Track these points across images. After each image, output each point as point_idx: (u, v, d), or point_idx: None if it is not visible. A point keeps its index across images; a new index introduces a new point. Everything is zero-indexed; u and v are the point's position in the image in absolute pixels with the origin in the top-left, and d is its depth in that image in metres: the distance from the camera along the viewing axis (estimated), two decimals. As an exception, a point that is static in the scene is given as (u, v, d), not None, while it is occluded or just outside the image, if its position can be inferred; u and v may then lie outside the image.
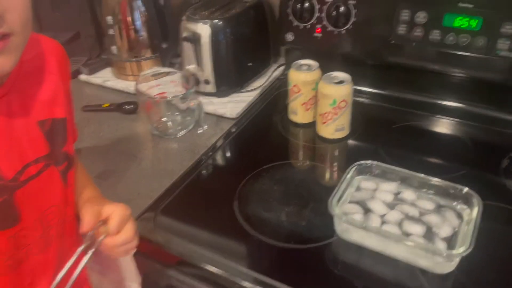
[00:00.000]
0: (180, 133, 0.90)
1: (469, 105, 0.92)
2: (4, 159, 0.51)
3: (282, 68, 1.10)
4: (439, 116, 0.92)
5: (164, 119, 0.92)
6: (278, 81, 1.08)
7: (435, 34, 0.86)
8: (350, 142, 0.87)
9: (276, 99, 1.03)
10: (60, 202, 0.59)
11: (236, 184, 0.76)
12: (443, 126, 0.90)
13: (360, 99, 0.97)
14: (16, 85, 0.54)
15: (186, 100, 0.87)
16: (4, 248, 0.54)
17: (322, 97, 0.84)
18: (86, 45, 1.18)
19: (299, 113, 0.91)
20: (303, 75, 0.87)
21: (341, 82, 0.83)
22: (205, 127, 0.90)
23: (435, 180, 0.67)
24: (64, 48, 0.64)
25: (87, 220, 0.56)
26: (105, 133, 0.94)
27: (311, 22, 0.96)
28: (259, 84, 1.04)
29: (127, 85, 1.07)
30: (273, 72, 1.07)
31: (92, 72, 1.12)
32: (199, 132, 0.90)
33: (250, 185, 0.77)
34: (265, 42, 1.08)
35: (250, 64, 1.04)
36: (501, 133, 0.87)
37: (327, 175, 0.82)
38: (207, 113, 0.95)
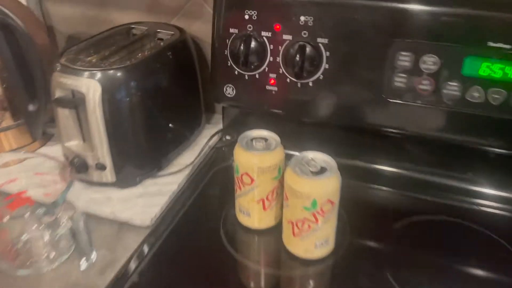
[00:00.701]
0: (47, 268, 0.51)
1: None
2: None
3: (215, 132, 0.76)
4: (462, 205, 0.62)
5: (19, 245, 0.53)
6: (214, 152, 0.74)
7: (451, 88, 0.57)
8: (338, 263, 0.54)
9: (213, 183, 0.68)
10: None
11: None
12: (471, 220, 0.60)
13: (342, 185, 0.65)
14: None
15: (54, 213, 0.49)
16: None
17: (293, 196, 0.51)
18: None
19: (253, 214, 0.57)
20: (257, 157, 0.54)
21: (322, 170, 0.51)
22: (93, 255, 0.52)
23: None
24: None
25: None
26: None
27: (262, 69, 0.64)
28: (186, 160, 0.69)
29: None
30: (207, 142, 0.73)
31: None
32: (81, 266, 0.51)
33: None
34: (192, 98, 0.73)
35: (170, 133, 0.68)
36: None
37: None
38: (101, 218, 0.58)
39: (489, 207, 0.62)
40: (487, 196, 0.63)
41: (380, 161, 0.68)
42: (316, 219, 0.51)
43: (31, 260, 0.52)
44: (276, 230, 0.57)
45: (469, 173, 0.64)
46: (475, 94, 0.56)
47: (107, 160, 0.61)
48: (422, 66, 0.57)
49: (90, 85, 0.57)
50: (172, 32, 0.70)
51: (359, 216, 0.59)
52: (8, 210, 0.53)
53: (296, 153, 0.52)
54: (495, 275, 0.52)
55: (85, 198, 0.61)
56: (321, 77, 0.62)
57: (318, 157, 0.52)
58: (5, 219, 0.52)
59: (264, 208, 0.57)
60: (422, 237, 0.57)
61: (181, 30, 0.70)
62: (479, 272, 0.53)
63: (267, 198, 0.56)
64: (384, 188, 0.66)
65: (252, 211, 0.57)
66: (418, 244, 0.56)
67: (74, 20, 0.83)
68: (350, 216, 0.58)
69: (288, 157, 0.54)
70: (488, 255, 0.55)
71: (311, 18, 0.59)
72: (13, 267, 0.51)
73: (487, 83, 0.55)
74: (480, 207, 0.62)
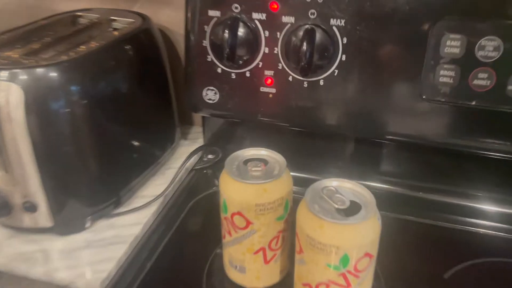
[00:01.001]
0: None
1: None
2: None
3: (200, 153, 0.58)
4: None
5: None
6: (194, 177, 0.56)
7: (519, 82, 0.41)
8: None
9: (192, 222, 0.50)
10: None
11: None
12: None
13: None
14: None
15: None
16: None
17: (311, 247, 0.33)
18: None
19: (249, 270, 0.40)
20: (253, 189, 0.36)
21: (354, 208, 0.34)
22: None
23: None
24: None
25: None
26: None
27: (254, 64, 0.47)
28: (155, 190, 0.51)
29: None
30: (183, 164, 0.55)
31: None
32: None
33: None
34: (161, 106, 0.56)
35: (131, 154, 0.50)
36: None
37: None
38: (31, 280, 0.40)
39: None
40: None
41: (420, 186, 0.51)
42: (348, 283, 0.34)
43: None
44: (282, 289, 0.40)
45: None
46: (555, 90, 0.40)
47: (39, 197, 0.43)
48: (479, 53, 0.41)
49: (8, 91, 0.39)
50: (132, 20, 0.52)
51: (398, 269, 0.43)
52: None
53: (311, 178, 0.36)
54: None
55: (9, 251, 0.43)
56: (336, 72, 0.45)
57: (346, 186, 0.35)
58: None
59: (265, 261, 0.39)
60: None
61: (144, 17, 0.53)
62: None
63: (269, 247, 0.39)
64: (431, 221, 0.49)
65: (248, 265, 0.40)
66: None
67: (8, 11, 0.65)
68: (386, 272, 0.42)
69: (299, 185, 0.37)
70: None
71: (320, -7, 0.43)
72: None
73: None
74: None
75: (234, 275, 0.41)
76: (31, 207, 0.43)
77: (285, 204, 0.38)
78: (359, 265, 0.33)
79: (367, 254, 0.33)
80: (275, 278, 0.41)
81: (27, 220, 0.44)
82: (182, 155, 0.57)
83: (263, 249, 0.39)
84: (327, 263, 0.33)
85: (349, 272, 0.33)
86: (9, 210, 0.43)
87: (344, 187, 0.35)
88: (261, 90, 0.48)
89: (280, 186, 0.37)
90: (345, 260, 0.33)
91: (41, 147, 0.41)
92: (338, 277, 0.33)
